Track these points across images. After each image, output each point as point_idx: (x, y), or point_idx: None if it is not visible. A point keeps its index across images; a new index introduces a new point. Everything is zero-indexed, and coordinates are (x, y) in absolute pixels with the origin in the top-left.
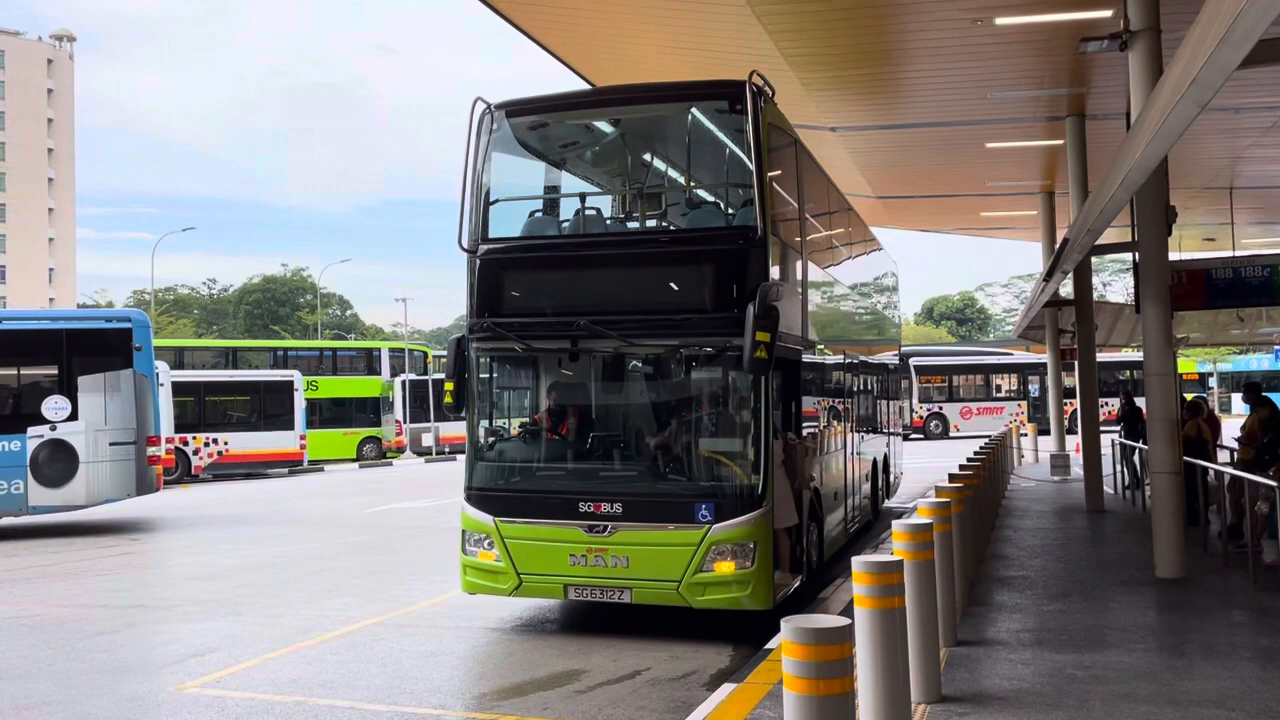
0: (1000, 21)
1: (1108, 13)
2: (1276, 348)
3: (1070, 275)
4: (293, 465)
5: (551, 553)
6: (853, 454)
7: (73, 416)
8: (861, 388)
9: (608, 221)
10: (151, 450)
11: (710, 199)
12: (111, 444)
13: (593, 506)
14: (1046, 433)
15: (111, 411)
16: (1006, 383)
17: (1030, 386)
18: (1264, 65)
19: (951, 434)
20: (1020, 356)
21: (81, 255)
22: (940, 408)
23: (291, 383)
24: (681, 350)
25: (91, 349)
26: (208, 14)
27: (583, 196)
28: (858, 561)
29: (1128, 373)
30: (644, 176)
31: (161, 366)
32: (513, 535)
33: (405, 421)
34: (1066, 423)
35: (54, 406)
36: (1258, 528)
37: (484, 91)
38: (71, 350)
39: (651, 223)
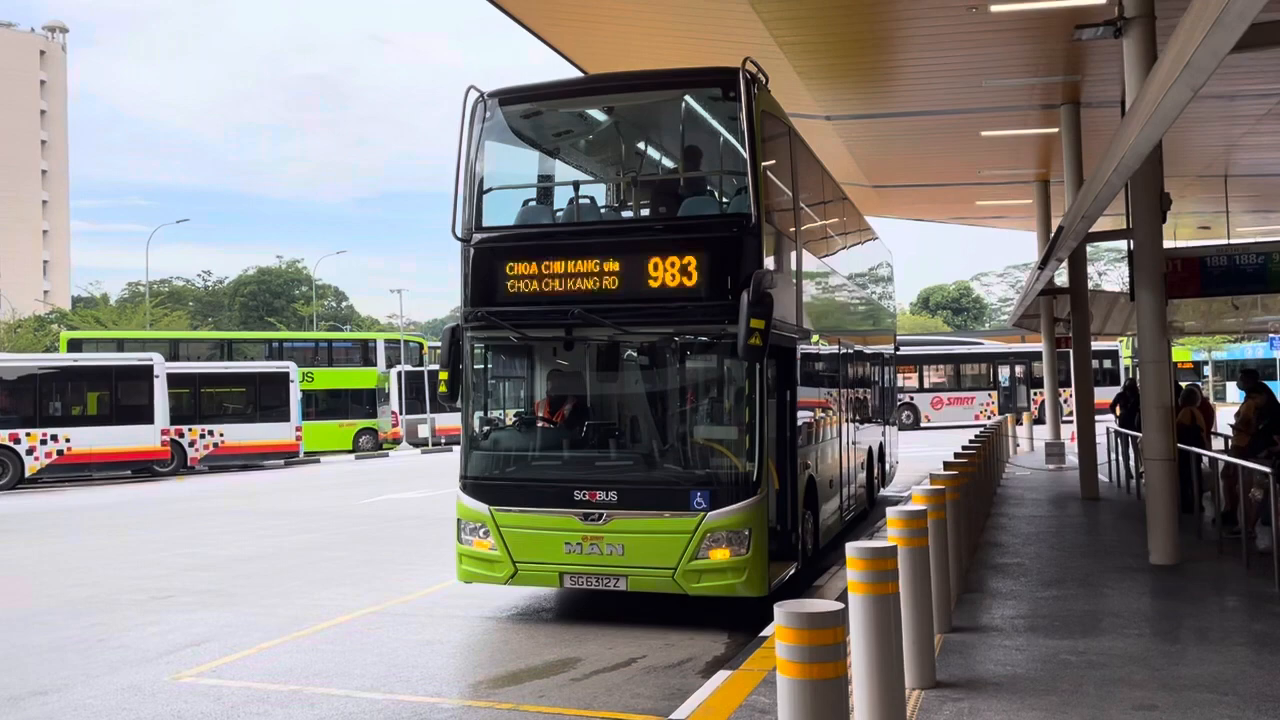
0: (995, 9)
1: None
2: (1271, 336)
3: (1065, 264)
4: (289, 457)
5: (547, 541)
6: (848, 443)
7: None
8: (857, 377)
9: (601, 210)
10: None
11: (704, 187)
12: None
13: (588, 495)
14: (1041, 422)
15: None
16: (976, 372)
17: (1000, 376)
18: (1257, 49)
19: (922, 424)
20: (990, 345)
21: (76, 247)
22: (911, 398)
23: (287, 374)
24: (676, 338)
25: None
26: (199, 4)
27: (576, 185)
28: (852, 547)
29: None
30: (638, 164)
31: (156, 358)
32: (508, 524)
33: (401, 413)
34: (1039, 411)
35: None
36: (1251, 514)
37: (478, 80)
38: None
39: (645, 211)
